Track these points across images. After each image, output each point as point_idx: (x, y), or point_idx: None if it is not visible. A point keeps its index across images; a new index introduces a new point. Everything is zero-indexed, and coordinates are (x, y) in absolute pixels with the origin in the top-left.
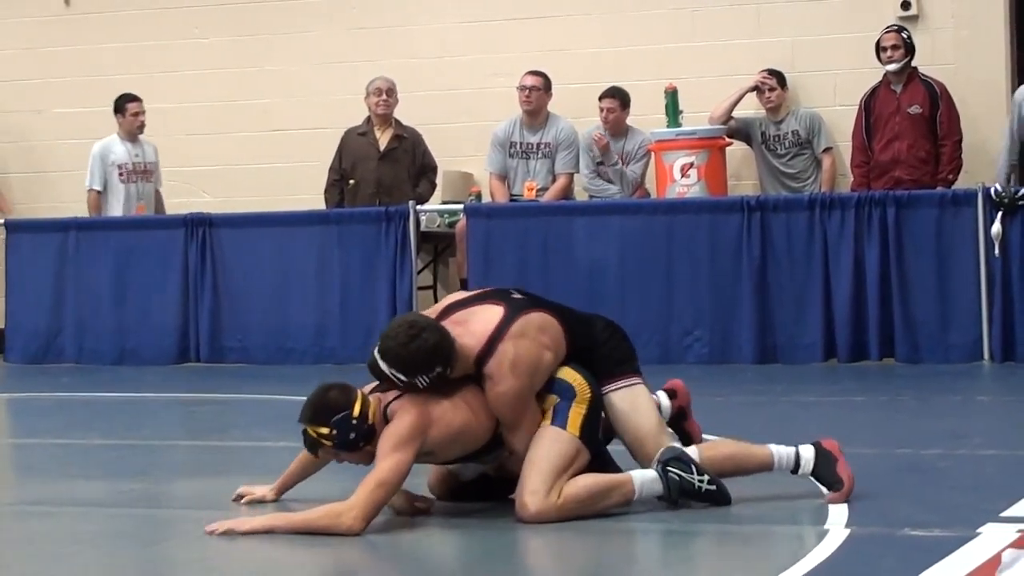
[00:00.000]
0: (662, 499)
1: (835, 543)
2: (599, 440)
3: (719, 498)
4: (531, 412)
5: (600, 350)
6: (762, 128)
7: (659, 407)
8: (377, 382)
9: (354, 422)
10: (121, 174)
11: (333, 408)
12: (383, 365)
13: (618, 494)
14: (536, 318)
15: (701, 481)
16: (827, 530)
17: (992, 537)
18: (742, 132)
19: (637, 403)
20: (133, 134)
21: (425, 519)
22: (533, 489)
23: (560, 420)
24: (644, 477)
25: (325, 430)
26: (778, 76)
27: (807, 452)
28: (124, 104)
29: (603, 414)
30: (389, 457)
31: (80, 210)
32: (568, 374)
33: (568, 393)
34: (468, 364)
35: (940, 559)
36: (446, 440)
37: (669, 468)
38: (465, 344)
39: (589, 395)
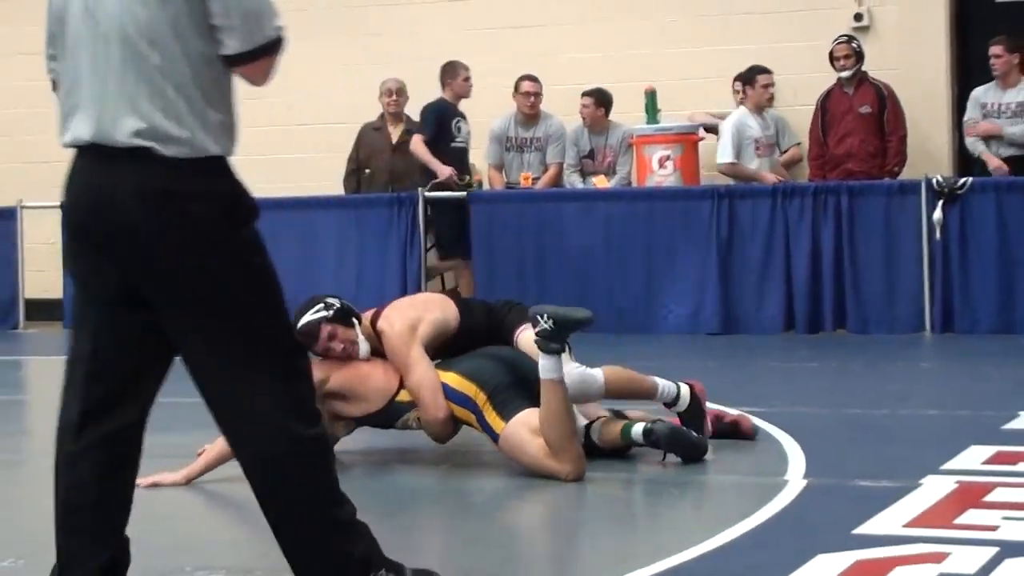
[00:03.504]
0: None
1: (794, 492)
2: (524, 389)
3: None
4: (420, 359)
5: (506, 312)
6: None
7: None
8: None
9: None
10: (758, 148)
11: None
12: None
13: (557, 398)
14: (424, 294)
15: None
16: (787, 480)
17: (933, 487)
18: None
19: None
20: (762, 107)
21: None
22: (558, 467)
23: (490, 431)
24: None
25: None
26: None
27: (685, 391)
28: (754, 76)
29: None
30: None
31: None
32: (458, 382)
33: (473, 407)
34: (372, 334)
35: (887, 506)
36: (346, 384)
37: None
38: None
39: (484, 395)
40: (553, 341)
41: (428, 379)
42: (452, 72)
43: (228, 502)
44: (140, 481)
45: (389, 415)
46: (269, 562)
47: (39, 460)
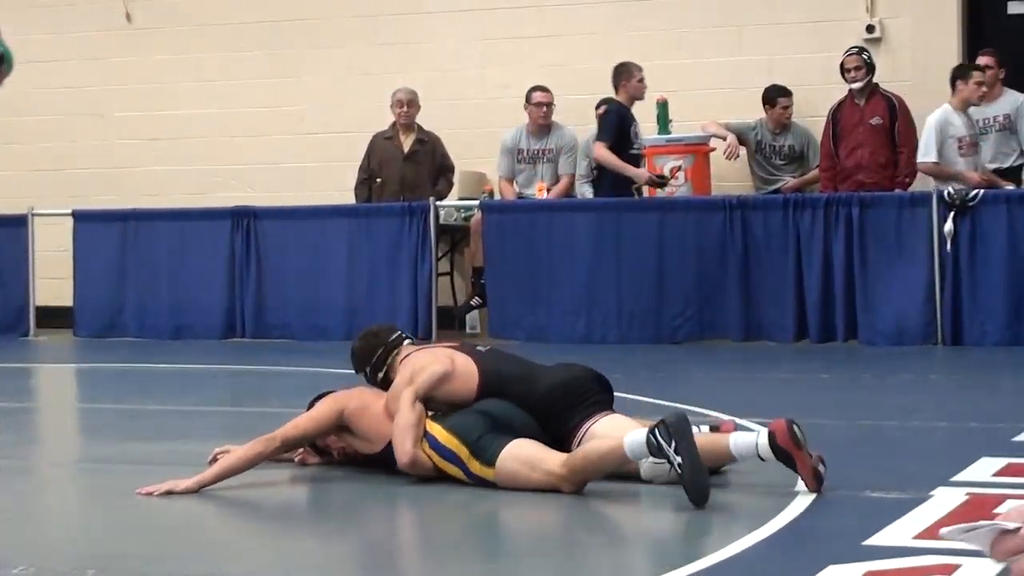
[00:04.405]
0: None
1: (804, 503)
2: (505, 432)
3: (685, 483)
4: (404, 404)
5: (551, 413)
6: (758, 136)
7: None
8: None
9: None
10: (960, 147)
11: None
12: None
13: (613, 456)
14: (446, 350)
15: (674, 459)
16: (797, 492)
17: (943, 499)
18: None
19: (611, 432)
20: (969, 104)
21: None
22: (560, 484)
23: (481, 482)
24: (633, 439)
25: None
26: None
27: (764, 446)
28: (968, 73)
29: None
30: (304, 416)
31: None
32: (444, 437)
33: (458, 461)
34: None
35: (898, 518)
36: (357, 421)
37: (655, 429)
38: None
39: (466, 449)
40: (662, 455)
41: (401, 423)
42: (626, 73)
43: (236, 511)
44: (152, 489)
45: (388, 458)
46: (278, 570)
47: (49, 468)
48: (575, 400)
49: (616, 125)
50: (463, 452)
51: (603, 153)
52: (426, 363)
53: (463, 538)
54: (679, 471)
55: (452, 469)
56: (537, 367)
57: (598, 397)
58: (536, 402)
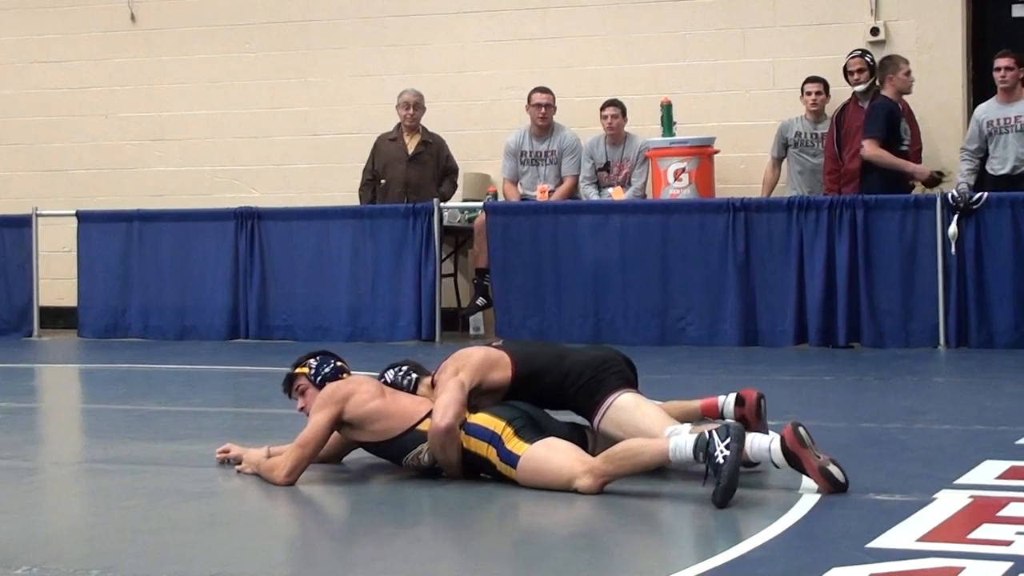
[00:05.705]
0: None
1: (808, 505)
2: (555, 426)
3: (719, 477)
4: (454, 383)
5: (568, 388)
6: (797, 128)
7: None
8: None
9: (333, 364)
10: None
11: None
12: None
13: (654, 454)
14: (484, 348)
15: (721, 452)
16: (800, 494)
17: (946, 502)
18: (782, 141)
19: (636, 406)
20: None
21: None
22: (580, 477)
23: (510, 458)
24: (679, 441)
25: (305, 368)
26: (823, 83)
27: (777, 452)
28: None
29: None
30: (311, 419)
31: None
32: (483, 419)
33: (494, 439)
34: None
35: (901, 520)
36: (360, 415)
37: (714, 430)
38: None
39: (507, 427)
40: (708, 452)
41: (446, 397)
42: (892, 66)
43: (243, 512)
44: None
45: (404, 444)
46: (284, 571)
47: (52, 468)
48: (603, 372)
49: (885, 120)
50: (506, 431)
51: (874, 151)
52: (467, 354)
53: (485, 535)
54: (720, 463)
55: (483, 448)
56: (564, 346)
57: (625, 374)
58: (565, 374)
